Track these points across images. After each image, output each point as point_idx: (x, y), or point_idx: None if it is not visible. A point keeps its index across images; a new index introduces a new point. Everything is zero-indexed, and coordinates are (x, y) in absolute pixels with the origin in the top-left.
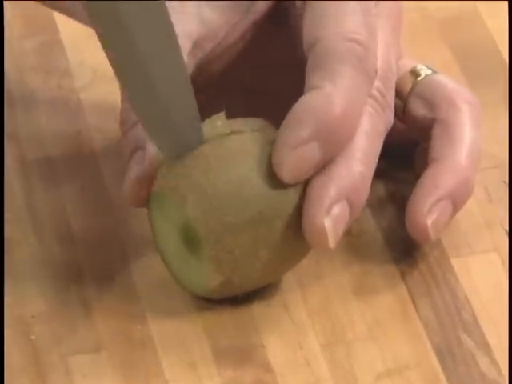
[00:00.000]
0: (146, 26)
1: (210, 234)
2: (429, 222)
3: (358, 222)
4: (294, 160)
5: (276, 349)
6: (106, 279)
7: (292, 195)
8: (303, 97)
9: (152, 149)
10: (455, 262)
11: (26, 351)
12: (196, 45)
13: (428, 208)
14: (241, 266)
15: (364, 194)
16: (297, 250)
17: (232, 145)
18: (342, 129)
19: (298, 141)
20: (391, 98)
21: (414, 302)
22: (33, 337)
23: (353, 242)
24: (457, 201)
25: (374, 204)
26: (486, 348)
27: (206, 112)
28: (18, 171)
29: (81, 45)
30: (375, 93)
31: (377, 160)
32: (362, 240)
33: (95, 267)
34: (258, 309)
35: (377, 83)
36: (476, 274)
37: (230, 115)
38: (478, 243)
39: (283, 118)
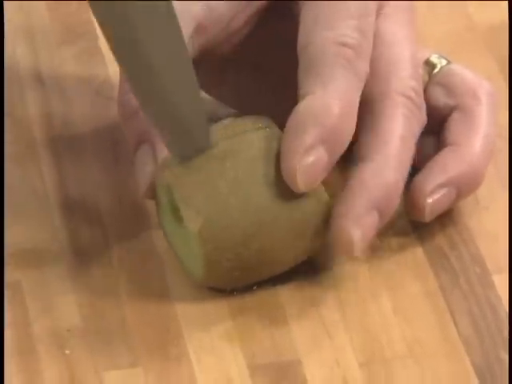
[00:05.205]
0: (155, 31)
1: (175, 180)
2: (428, 202)
3: (399, 236)
4: (305, 167)
5: (313, 366)
6: (142, 294)
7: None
8: (300, 104)
9: (160, 147)
10: (496, 278)
11: (60, 365)
12: (199, 27)
13: (431, 189)
14: (213, 202)
15: (395, 202)
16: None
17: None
18: (342, 128)
19: (305, 147)
20: (422, 95)
21: (454, 320)
22: (67, 351)
23: (392, 257)
24: (462, 189)
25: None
26: None
27: (214, 89)
28: (55, 180)
29: None
30: (411, 93)
31: (410, 162)
32: (402, 255)
33: (132, 282)
34: (295, 325)
35: (412, 82)
36: None
37: (237, 90)
38: None
39: (287, 94)
